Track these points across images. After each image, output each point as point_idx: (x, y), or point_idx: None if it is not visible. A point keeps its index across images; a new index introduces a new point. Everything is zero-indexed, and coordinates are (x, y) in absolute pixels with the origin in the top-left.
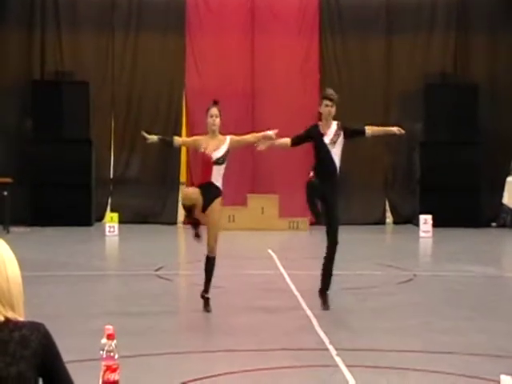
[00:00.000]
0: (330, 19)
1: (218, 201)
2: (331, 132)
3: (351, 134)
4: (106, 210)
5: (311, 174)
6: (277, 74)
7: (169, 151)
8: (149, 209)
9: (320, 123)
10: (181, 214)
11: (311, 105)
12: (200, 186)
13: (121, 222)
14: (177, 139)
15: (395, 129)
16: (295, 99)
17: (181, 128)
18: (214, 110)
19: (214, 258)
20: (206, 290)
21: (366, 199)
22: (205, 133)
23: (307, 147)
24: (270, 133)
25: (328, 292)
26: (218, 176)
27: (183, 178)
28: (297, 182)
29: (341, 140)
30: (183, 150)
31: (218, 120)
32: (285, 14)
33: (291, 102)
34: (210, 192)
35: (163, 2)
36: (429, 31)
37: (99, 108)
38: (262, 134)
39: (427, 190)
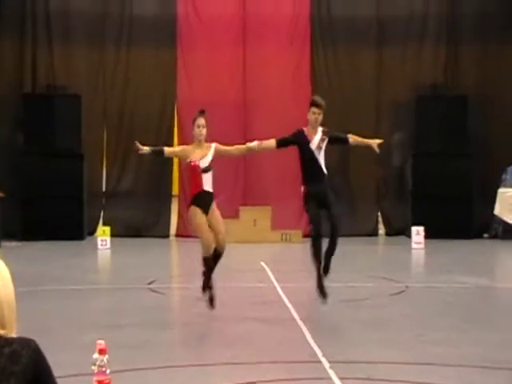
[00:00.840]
0: (322, 30)
1: (214, 202)
2: (317, 138)
3: (335, 140)
4: (98, 223)
5: (302, 188)
6: (269, 85)
7: (161, 164)
8: (141, 222)
9: (305, 129)
10: (173, 227)
11: (303, 115)
12: (197, 196)
13: (113, 235)
14: (167, 149)
15: (375, 145)
16: (287, 110)
17: (173, 140)
18: (201, 121)
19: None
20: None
21: (358, 211)
22: (192, 142)
23: (296, 162)
24: (252, 145)
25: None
26: (208, 182)
27: (175, 190)
28: (289, 194)
29: (325, 145)
30: (175, 163)
31: (204, 130)
32: (276, 25)
33: (283, 112)
34: (206, 198)
35: (154, 15)
36: (419, 43)
37: (91, 121)
38: (245, 146)
39: (419, 201)
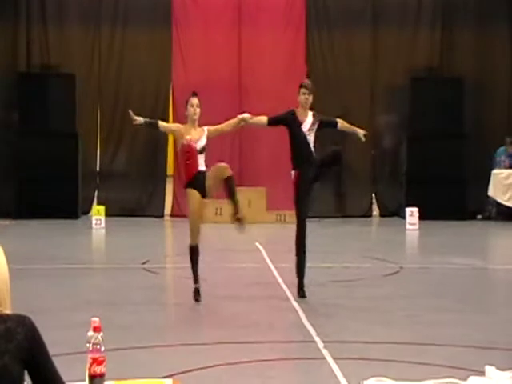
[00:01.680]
0: (317, 13)
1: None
2: (308, 121)
3: (325, 124)
4: (92, 203)
5: (293, 173)
6: (264, 68)
7: (155, 144)
8: (136, 202)
9: (297, 110)
10: (168, 207)
11: (297, 98)
12: (193, 178)
13: (107, 215)
14: (161, 123)
15: (361, 133)
16: (282, 93)
17: (167, 121)
18: (195, 100)
19: None
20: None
21: (352, 192)
22: (185, 122)
23: None
24: (242, 116)
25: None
26: (203, 163)
27: (170, 171)
28: (284, 174)
29: (315, 129)
30: (170, 143)
31: (198, 110)
32: (271, 7)
33: (278, 95)
34: (202, 179)
35: None
36: (415, 26)
37: (85, 101)
38: (236, 119)
39: (413, 182)
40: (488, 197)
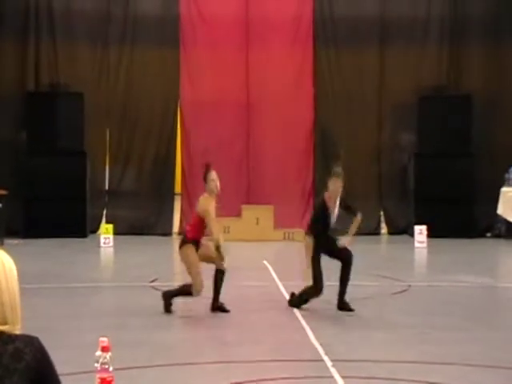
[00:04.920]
0: (325, 32)
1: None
2: (336, 210)
3: (345, 209)
4: (100, 221)
5: (308, 239)
6: (271, 86)
7: (164, 163)
8: (144, 220)
9: (326, 198)
10: (176, 225)
11: (305, 116)
12: (195, 242)
13: (116, 233)
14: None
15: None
16: (290, 111)
17: (176, 139)
18: (215, 175)
19: None
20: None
21: (360, 209)
22: (203, 191)
23: (299, 162)
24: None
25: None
26: None
27: (178, 189)
28: (292, 193)
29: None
30: (178, 161)
31: (219, 183)
32: (279, 26)
33: (286, 113)
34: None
35: (158, 15)
36: (422, 43)
37: (94, 120)
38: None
39: (422, 200)
40: (497, 215)
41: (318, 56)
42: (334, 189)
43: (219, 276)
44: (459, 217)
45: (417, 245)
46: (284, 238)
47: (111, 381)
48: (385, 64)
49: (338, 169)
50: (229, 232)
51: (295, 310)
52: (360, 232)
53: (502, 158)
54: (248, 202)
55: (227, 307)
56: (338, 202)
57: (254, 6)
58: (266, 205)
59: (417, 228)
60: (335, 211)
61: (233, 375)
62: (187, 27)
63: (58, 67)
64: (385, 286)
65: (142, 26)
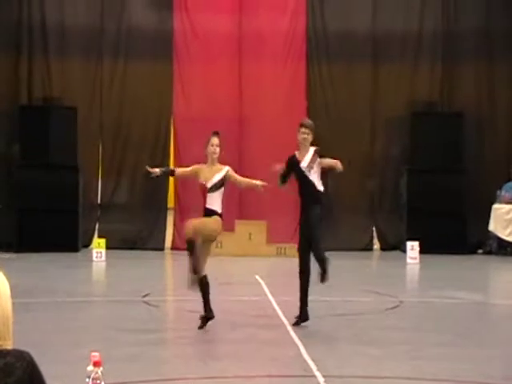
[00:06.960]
0: (317, 47)
1: (212, 218)
2: (308, 158)
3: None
4: (93, 235)
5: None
6: (264, 101)
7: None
8: (136, 234)
9: (297, 152)
10: (168, 239)
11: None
12: (204, 215)
13: (108, 247)
14: (178, 170)
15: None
16: (282, 126)
17: (168, 154)
18: (216, 140)
19: None
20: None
21: (352, 225)
22: (204, 161)
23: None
24: (259, 185)
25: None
26: (212, 201)
27: (171, 203)
28: (285, 208)
29: (317, 164)
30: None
31: (218, 149)
32: (272, 40)
33: (278, 128)
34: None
35: (151, 30)
36: (415, 59)
37: (87, 134)
38: (254, 183)
39: (414, 216)
40: (489, 231)
41: (310, 71)
42: (300, 138)
43: (204, 285)
44: (451, 233)
45: (409, 261)
46: (277, 253)
47: None
48: (377, 79)
49: (305, 119)
50: (221, 247)
51: (287, 325)
52: (352, 248)
53: (494, 175)
54: (241, 217)
55: (214, 316)
56: (312, 155)
57: (247, 21)
58: (258, 220)
59: (409, 244)
60: (306, 161)
61: None
62: (181, 42)
63: (51, 81)
64: (376, 301)
65: (135, 41)
